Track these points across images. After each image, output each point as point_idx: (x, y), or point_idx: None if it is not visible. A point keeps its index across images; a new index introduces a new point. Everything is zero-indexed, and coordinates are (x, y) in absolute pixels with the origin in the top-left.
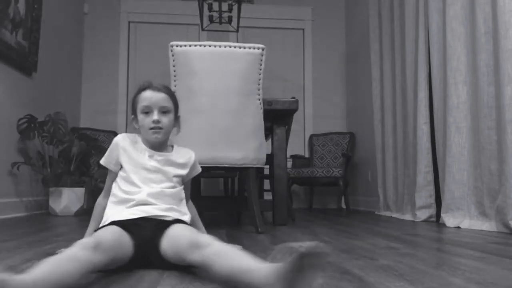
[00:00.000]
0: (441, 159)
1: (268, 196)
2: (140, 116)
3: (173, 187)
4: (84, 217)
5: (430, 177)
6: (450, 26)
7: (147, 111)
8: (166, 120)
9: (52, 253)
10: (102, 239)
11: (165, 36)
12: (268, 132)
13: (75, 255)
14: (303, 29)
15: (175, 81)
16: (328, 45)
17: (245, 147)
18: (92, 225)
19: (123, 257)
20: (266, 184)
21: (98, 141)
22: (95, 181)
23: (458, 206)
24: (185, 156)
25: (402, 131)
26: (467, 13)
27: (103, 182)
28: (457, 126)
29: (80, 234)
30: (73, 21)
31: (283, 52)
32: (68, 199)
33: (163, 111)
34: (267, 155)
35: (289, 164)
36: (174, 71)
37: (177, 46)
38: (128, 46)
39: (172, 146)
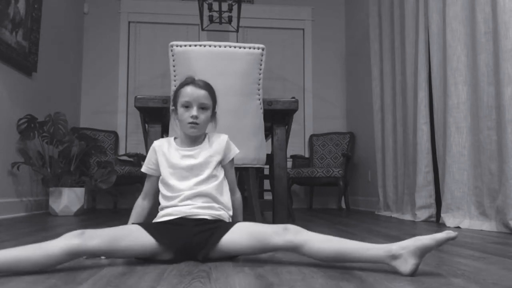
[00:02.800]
0: (441, 159)
1: (268, 196)
2: (180, 110)
3: (212, 177)
4: (84, 217)
5: (430, 177)
6: (450, 26)
7: (187, 106)
8: (203, 116)
9: None
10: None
11: (165, 36)
12: (268, 132)
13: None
14: (303, 29)
15: (175, 81)
16: (328, 45)
17: (245, 147)
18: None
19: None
20: (266, 184)
21: (98, 141)
22: (95, 181)
23: (458, 206)
24: (216, 142)
25: (402, 131)
26: (467, 13)
27: (103, 182)
28: (457, 126)
29: None
30: (73, 21)
31: (283, 52)
32: (68, 199)
33: (202, 107)
34: (267, 155)
35: (289, 164)
36: (174, 71)
37: (177, 46)
38: (128, 46)
39: (205, 135)
